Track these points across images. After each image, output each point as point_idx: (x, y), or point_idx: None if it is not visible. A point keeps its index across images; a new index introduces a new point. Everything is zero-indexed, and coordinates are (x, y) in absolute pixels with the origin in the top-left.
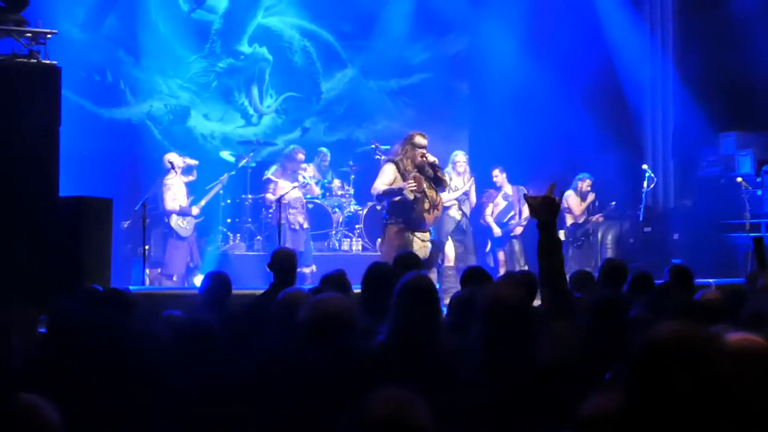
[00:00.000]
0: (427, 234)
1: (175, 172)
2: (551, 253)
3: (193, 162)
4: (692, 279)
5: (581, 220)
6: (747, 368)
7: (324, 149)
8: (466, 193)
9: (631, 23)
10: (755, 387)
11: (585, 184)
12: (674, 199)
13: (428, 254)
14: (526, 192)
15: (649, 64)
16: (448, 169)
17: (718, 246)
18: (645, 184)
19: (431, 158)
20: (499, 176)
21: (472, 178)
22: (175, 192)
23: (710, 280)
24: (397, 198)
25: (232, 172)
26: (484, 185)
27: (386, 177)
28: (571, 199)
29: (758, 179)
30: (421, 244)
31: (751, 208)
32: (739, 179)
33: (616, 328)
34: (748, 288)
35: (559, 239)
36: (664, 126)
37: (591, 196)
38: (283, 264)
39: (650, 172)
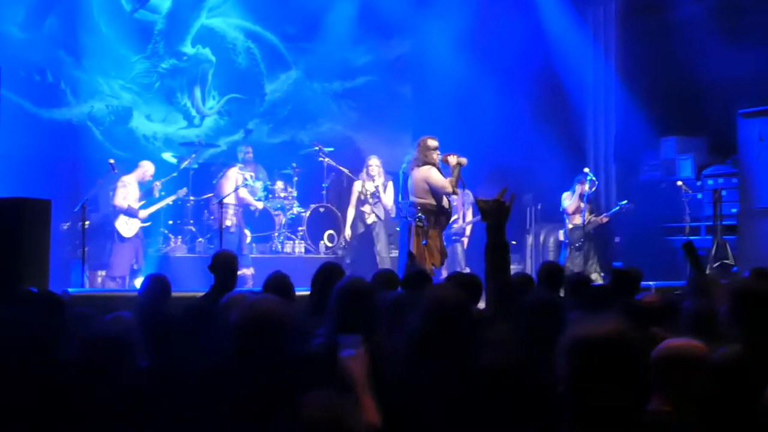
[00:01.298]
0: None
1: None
2: (498, 255)
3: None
4: (636, 281)
5: (579, 221)
6: (686, 373)
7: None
8: (376, 195)
9: (574, 28)
10: (694, 391)
11: (585, 186)
12: (616, 203)
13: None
14: (469, 194)
15: (591, 68)
16: (363, 174)
17: (658, 249)
18: (586, 187)
19: (456, 159)
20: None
21: (390, 181)
22: (128, 191)
23: (651, 283)
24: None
25: (174, 174)
26: None
27: (441, 176)
28: (565, 200)
29: (698, 183)
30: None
31: (691, 212)
32: (680, 183)
33: (552, 330)
34: (687, 291)
35: (506, 242)
36: (607, 130)
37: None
38: (224, 266)
39: (592, 175)
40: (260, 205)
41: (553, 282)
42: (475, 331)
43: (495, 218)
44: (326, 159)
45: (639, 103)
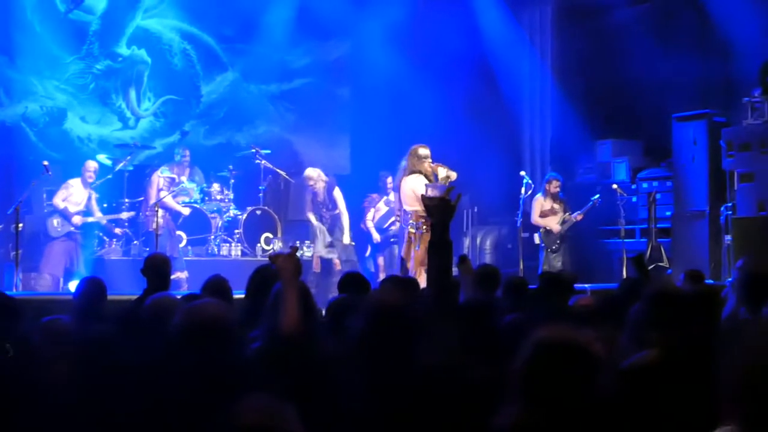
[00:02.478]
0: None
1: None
2: (441, 254)
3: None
4: (569, 284)
5: (554, 223)
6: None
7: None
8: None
9: (511, 29)
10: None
11: (552, 186)
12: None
13: None
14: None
15: (528, 70)
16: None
17: (594, 252)
18: (523, 190)
19: (446, 172)
20: (388, 180)
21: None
22: (70, 193)
23: (586, 286)
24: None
25: (109, 176)
26: (367, 190)
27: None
28: (536, 202)
29: (633, 186)
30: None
31: (625, 215)
32: (615, 186)
33: (487, 332)
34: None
35: (449, 240)
36: (542, 132)
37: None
38: (156, 269)
39: (528, 178)
40: (186, 211)
41: (489, 285)
42: (414, 333)
43: (440, 216)
44: (263, 161)
45: (575, 105)
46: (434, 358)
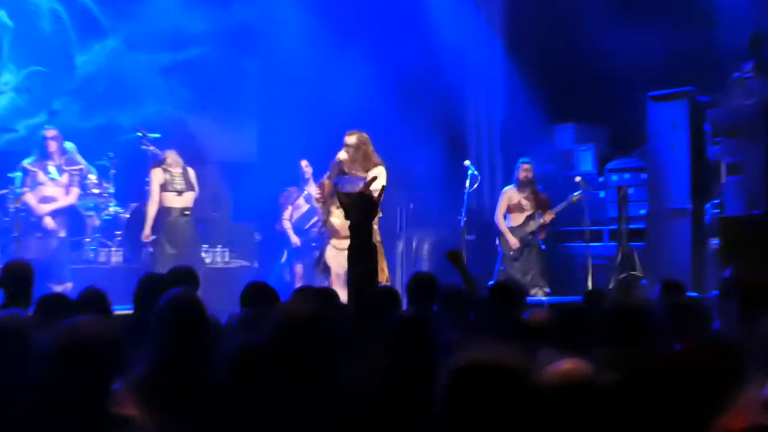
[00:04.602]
0: (345, 242)
1: None
2: (362, 260)
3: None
4: (522, 296)
5: (521, 221)
6: (572, 402)
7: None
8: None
9: (455, 1)
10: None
11: (521, 172)
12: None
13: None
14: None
15: (473, 44)
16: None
17: (552, 257)
18: (467, 183)
19: (338, 155)
20: (308, 170)
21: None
22: None
23: (543, 299)
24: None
25: None
26: (276, 181)
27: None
28: (503, 196)
29: (600, 179)
30: (334, 253)
31: (591, 214)
32: (578, 179)
33: (422, 352)
34: (582, 306)
35: (372, 244)
36: (491, 115)
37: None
38: (15, 279)
39: (474, 169)
40: (44, 209)
41: (425, 295)
42: (330, 354)
43: (360, 216)
44: (151, 147)
45: (529, 82)
46: (355, 383)
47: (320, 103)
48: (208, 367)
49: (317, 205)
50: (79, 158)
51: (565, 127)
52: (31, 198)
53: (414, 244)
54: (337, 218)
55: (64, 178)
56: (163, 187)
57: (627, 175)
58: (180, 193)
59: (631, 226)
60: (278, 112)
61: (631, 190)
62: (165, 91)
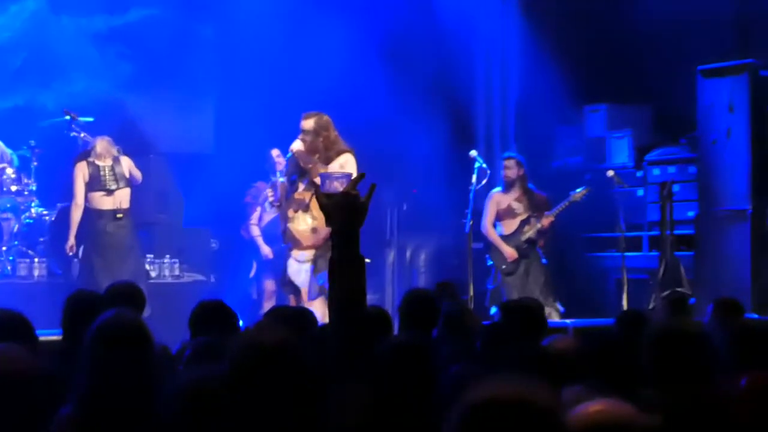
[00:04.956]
0: (305, 253)
1: None
2: (346, 276)
3: None
4: (543, 319)
5: (514, 227)
6: None
7: None
8: None
9: None
10: None
11: (509, 170)
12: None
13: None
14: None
15: (484, 11)
16: None
17: (579, 271)
18: (474, 179)
19: (292, 146)
20: (281, 161)
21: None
22: None
23: (567, 321)
24: None
25: None
26: (237, 175)
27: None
28: (490, 201)
29: (639, 173)
30: (297, 267)
31: (627, 216)
32: (611, 173)
33: (420, 389)
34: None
35: (360, 256)
36: (504, 97)
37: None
38: None
39: (482, 161)
40: None
41: (422, 318)
42: (306, 394)
43: (344, 220)
44: (82, 134)
45: (552, 56)
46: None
47: (293, 77)
48: (153, 408)
49: (269, 211)
50: None
51: (596, 109)
52: None
53: (408, 254)
54: (299, 224)
55: None
56: (90, 186)
57: (672, 169)
58: (110, 192)
59: (676, 232)
60: (241, 89)
61: (676, 188)
62: (99, 64)
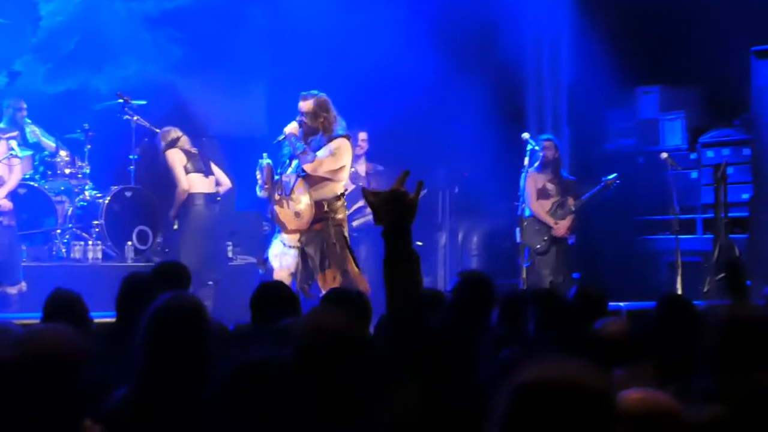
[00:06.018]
0: (293, 238)
1: None
2: (400, 272)
3: None
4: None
5: (548, 208)
6: None
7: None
8: None
9: None
10: None
11: (548, 150)
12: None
13: (292, 265)
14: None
15: None
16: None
17: (631, 254)
18: (526, 161)
19: (286, 128)
20: (365, 144)
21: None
22: None
23: (621, 304)
24: None
25: None
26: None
27: None
28: (529, 179)
29: (692, 155)
30: (281, 250)
31: (681, 199)
32: (664, 155)
33: (469, 375)
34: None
35: (413, 251)
36: (556, 78)
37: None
38: None
39: (534, 143)
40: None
41: (477, 302)
42: (370, 380)
43: (391, 219)
44: (135, 117)
45: (605, 37)
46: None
47: (342, 60)
48: (209, 388)
49: (260, 194)
50: (35, 129)
51: (649, 90)
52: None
53: (460, 237)
54: (283, 208)
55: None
56: (187, 170)
57: (726, 151)
58: (206, 175)
59: (730, 214)
60: (291, 71)
61: (730, 170)
62: (151, 47)
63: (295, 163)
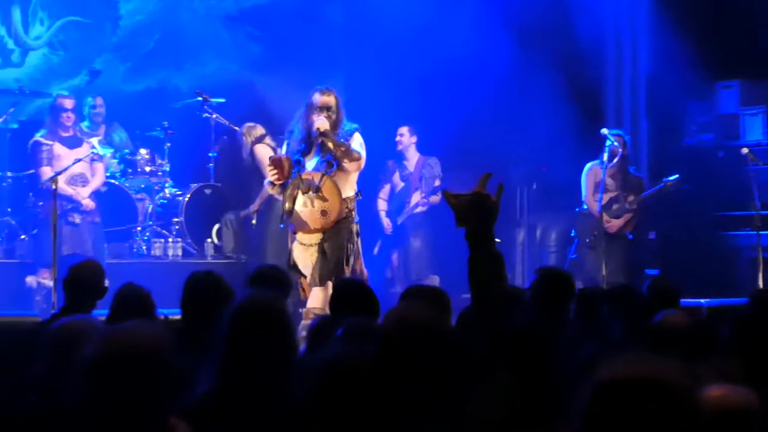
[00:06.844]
0: (313, 236)
1: None
2: (486, 276)
3: None
4: (675, 299)
5: (605, 201)
6: None
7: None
8: None
9: None
10: None
11: (614, 146)
12: (649, 180)
13: (313, 264)
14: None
15: None
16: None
17: (711, 249)
18: (605, 157)
19: (322, 125)
20: (405, 138)
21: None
22: None
23: (701, 301)
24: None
25: None
26: (381, 156)
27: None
28: (588, 174)
29: None
30: (301, 249)
31: (762, 194)
32: (745, 150)
33: (551, 373)
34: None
35: (497, 252)
36: (634, 72)
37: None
38: (83, 281)
39: (613, 139)
40: (84, 193)
41: (557, 298)
42: (459, 378)
43: (474, 222)
44: (215, 115)
45: (683, 33)
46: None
47: (419, 56)
48: (289, 386)
49: (272, 191)
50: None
51: (730, 84)
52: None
53: (538, 233)
54: (307, 206)
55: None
56: None
57: None
58: None
59: None
60: (368, 68)
61: None
62: (229, 45)
63: (315, 160)
